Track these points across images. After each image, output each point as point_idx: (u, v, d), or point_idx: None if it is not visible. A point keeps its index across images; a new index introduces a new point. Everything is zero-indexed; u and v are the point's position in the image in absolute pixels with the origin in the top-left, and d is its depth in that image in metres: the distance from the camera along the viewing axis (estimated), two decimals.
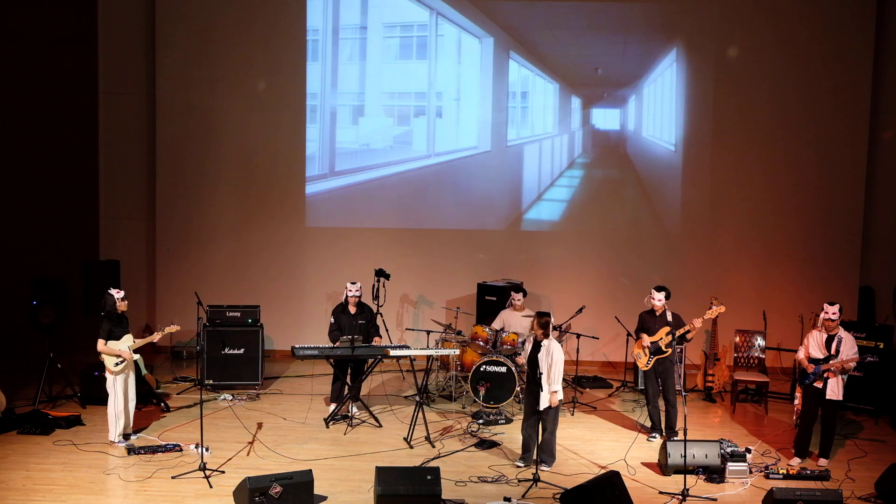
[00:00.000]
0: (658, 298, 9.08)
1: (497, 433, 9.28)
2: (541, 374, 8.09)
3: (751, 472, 8.17)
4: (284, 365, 11.87)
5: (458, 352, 10.14)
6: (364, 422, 9.53)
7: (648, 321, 9.20)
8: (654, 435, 9.21)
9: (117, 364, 8.64)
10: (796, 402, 9.16)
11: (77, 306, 10.70)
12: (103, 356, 8.68)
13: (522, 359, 8.19)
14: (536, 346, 8.21)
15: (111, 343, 8.65)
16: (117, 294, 8.77)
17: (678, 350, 10.16)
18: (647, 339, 9.12)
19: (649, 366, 9.13)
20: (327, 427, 9.39)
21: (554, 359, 8.15)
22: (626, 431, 9.47)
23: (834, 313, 8.39)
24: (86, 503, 7.44)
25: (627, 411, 10.23)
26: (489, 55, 12.13)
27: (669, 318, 9.07)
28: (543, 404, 8.12)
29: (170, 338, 11.68)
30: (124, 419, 8.72)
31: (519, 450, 8.50)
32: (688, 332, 9.06)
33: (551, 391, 8.14)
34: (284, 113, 12.20)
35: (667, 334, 9.00)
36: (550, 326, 8.23)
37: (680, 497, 7.66)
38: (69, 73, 12.20)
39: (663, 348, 9.04)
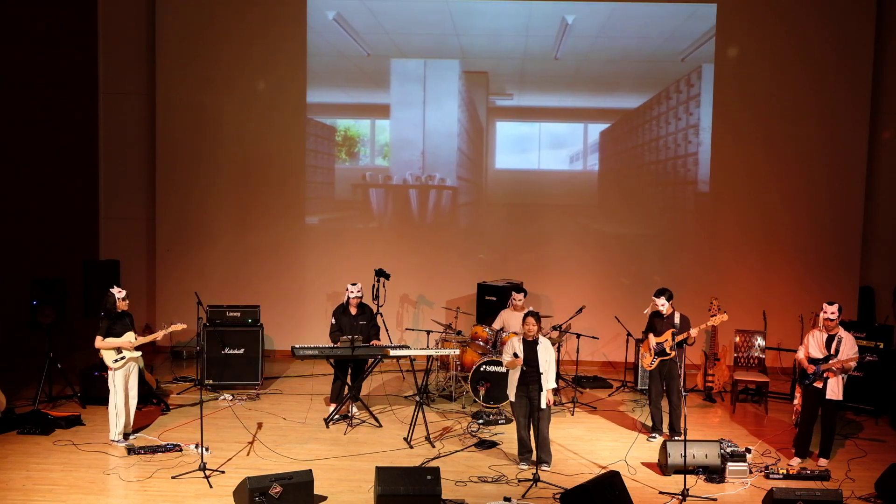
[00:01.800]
0: (661, 304, 9.08)
1: (497, 433, 9.28)
2: (541, 372, 8.11)
3: (751, 472, 8.17)
4: (284, 365, 11.87)
5: (458, 352, 10.14)
6: (364, 422, 9.54)
7: (656, 322, 9.21)
8: (654, 435, 9.21)
9: (116, 360, 8.65)
10: (796, 401, 9.16)
11: (77, 306, 10.70)
12: (102, 353, 8.70)
13: (518, 361, 8.15)
14: (531, 346, 8.22)
15: (110, 339, 8.66)
16: (118, 293, 8.78)
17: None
18: (652, 341, 9.13)
19: (653, 366, 9.13)
20: (327, 427, 9.39)
21: (551, 356, 8.22)
22: (626, 431, 9.47)
23: (833, 313, 8.39)
24: (86, 503, 7.45)
25: (628, 411, 10.24)
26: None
27: (677, 320, 9.07)
28: (545, 402, 8.15)
29: (170, 338, 11.69)
30: (124, 417, 8.73)
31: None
32: (686, 339, 9.06)
33: (551, 388, 8.19)
34: (285, 112, 12.21)
35: (672, 336, 9.00)
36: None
37: (680, 497, 7.66)
38: (69, 73, 12.19)
39: (667, 350, 9.04)
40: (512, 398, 8.32)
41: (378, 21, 11.95)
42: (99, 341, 8.66)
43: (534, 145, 12.28)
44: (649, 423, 9.42)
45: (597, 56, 12.00)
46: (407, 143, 12.24)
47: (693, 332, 8.97)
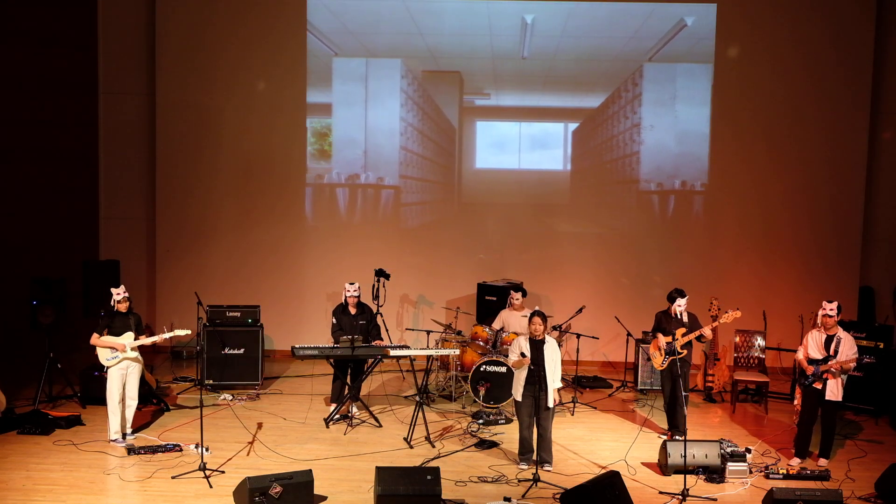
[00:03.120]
0: (681, 305, 9.07)
1: (497, 433, 9.28)
2: (545, 372, 8.12)
3: (751, 472, 8.17)
4: (284, 365, 11.87)
5: (458, 352, 10.14)
6: (364, 422, 9.54)
7: (665, 321, 9.19)
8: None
9: (108, 359, 8.67)
10: (796, 402, 9.16)
11: (77, 306, 10.69)
12: (97, 350, 8.74)
13: (525, 361, 8.16)
14: (538, 345, 8.22)
15: (106, 338, 8.68)
16: (116, 294, 8.79)
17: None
18: (662, 340, 9.11)
19: (664, 366, 9.11)
20: (327, 427, 9.39)
21: (558, 356, 8.24)
22: (626, 431, 9.47)
23: (832, 310, 8.39)
24: (86, 503, 7.45)
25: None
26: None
27: (685, 318, 9.07)
28: (552, 401, 8.15)
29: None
30: (119, 417, 8.73)
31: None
32: (700, 336, 9.04)
33: (556, 388, 8.21)
34: (285, 112, 12.21)
35: (682, 335, 9.00)
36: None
37: (680, 497, 7.66)
38: (69, 74, 12.19)
39: (678, 349, 9.02)
40: (518, 398, 8.30)
41: (341, 21, 11.93)
42: (94, 338, 8.74)
43: (516, 146, 12.27)
44: (654, 420, 9.40)
45: (565, 55, 12.00)
46: (350, 143, 12.21)
47: (707, 330, 8.97)
